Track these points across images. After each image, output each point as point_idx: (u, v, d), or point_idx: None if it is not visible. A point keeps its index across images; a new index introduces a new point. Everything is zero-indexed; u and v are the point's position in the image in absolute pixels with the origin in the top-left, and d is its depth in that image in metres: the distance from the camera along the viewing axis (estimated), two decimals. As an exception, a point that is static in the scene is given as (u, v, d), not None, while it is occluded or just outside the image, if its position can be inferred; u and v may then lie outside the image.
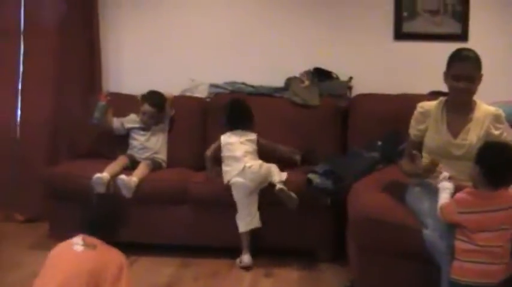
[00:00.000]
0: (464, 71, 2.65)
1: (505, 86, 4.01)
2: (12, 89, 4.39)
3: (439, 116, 2.79)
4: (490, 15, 4.20)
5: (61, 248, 2.21)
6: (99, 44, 4.38)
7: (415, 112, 2.89)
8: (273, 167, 3.53)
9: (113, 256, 2.20)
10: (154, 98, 3.94)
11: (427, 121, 2.82)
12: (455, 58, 2.71)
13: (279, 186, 3.39)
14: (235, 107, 3.81)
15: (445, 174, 2.57)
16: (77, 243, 2.16)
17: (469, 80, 2.65)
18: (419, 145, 2.86)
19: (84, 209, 2.35)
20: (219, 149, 3.67)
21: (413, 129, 2.88)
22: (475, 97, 2.77)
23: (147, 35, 4.46)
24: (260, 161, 3.57)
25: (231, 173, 3.51)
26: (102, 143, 3.99)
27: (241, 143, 3.64)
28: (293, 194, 3.35)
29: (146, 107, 3.91)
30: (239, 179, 3.44)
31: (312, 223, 3.48)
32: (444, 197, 2.45)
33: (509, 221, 2.32)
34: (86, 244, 2.16)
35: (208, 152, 3.68)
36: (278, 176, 3.47)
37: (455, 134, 2.74)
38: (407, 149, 2.95)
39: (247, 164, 3.49)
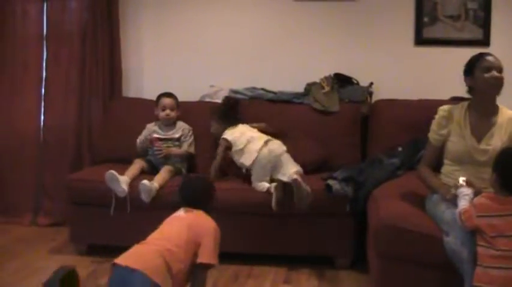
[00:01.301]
0: (495, 62, 2.69)
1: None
2: (36, 95, 4.47)
3: (462, 121, 2.77)
4: (513, 20, 4.17)
5: (169, 217, 2.70)
6: (119, 49, 4.43)
7: (437, 116, 2.86)
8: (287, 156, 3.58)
9: (207, 220, 2.64)
10: (167, 92, 3.95)
11: (450, 126, 2.79)
12: (481, 56, 2.73)
13: (294, 176, 3.33)
14: (234, 102, 3.92)
15: (462, 178, 2.56)
16: (180, 212, 2.68)
17: (499, 71, 2.67)
18: (439, 150, 2.85)
19: (182, 188, 2.83)
20: (229, 149, 3.65)
21: (434, 134, 2.85)
22: (498, 103, 2.76)
23: (167, 41, 4.50)
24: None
25: (252, 153, 3.54)
26: (124, 149, 4.00)
27: (249, 129, 3.71)
28: (308, 188, 3.27)
29: (164, 101, 3.89)
30: (260, 153, 3.50)
31: (331, 229, 3.46)
32: (463, 204, 2.43)
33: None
34: (185, 211, 2.67)
35: (216, 163, 3.64)
36: (293, 166, 3.49)
37: (479, 139, 2.72)
38: (426, 154, 2.93)
39: (270, 141, 3.58)
